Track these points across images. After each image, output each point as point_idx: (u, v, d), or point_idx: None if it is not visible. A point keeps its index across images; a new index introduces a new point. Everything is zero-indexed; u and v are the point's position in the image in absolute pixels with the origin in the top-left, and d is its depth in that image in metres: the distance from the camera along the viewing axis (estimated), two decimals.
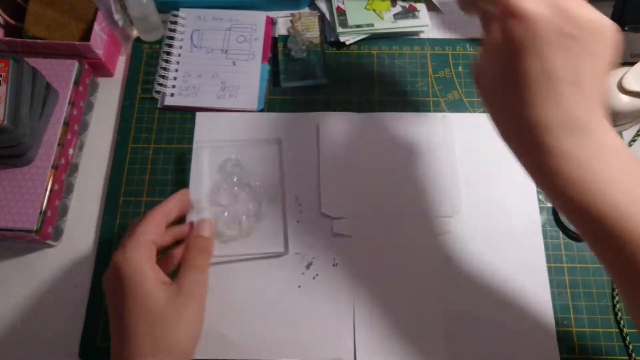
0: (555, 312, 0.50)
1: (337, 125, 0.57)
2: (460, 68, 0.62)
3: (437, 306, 0.50)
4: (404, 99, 0.60)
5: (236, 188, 0.55)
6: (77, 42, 0.56)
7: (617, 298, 0.51)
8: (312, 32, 0.64)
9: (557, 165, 0.33)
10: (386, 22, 0.62)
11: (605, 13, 0.59)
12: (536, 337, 0.49)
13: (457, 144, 0.57)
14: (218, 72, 0.61)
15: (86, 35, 0.58)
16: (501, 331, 0.49)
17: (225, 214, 0.54)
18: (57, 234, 0.53)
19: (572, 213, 0.34)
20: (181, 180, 0.56)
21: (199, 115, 0.59)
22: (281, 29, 0.64)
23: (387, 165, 0.56)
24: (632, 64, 0.56)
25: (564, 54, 0.33)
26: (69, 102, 0.55)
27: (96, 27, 0.57)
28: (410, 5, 0.64)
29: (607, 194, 0.32)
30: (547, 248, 0.53)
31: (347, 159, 0.56)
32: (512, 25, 0.33)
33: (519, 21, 0.33)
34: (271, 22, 0.64)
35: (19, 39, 0.57)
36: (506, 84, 0.35)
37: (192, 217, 0.49)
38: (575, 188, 0.32)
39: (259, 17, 0.63)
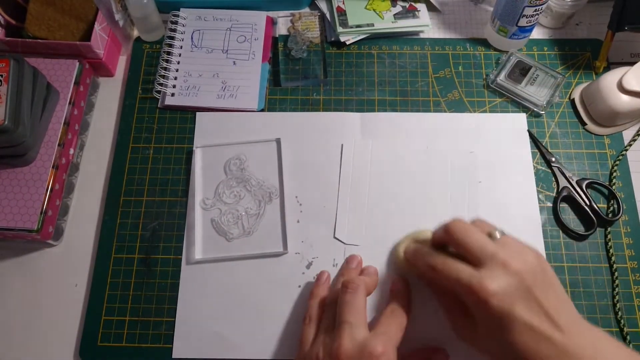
0: None
1: (359, 148, 0.56)
2: (460, 68, 0.62)
3: (437, 309, 0.50)
4: (404, 98, 0.60)
5: (237, 188, 0.55)
6: (77, 42, 0.56)
7: (617, 298, 0.51)
8: (313, 32, 0.64)
9: None
10: (386, 22, 0.63)
11: (605, 13, 0.60)
12: None
13: (479, 169, 0.56)
14: (218, 72, 0.61)
15: (87, 35, 0.58)
16: None
17: (228, 213, 0.54)
18: (58, 234, 0.54)
19: None
20: (181, 180, 0.56)
21: (199, 115, 0.59)
22: (281, 29, 0.64)
23: (408, 193, 0.54)
24: (632, 64, 0.56)
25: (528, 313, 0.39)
26: (70, 102, 0.55)
27: (97, 27, 0.57)
28: (411, 5, 0.64)
29: None
30: (547, 248, 0.53)
31: (366, 185, 0.55)
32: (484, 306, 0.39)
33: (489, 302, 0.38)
34: (271, 22, 0.64)
35: (19, 39, 0.57)
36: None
37: None
38: None
39: (259, 17, 0.64)
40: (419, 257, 0.45)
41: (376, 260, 0.52)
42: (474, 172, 0.55)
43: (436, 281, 0.45)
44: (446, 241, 0.43)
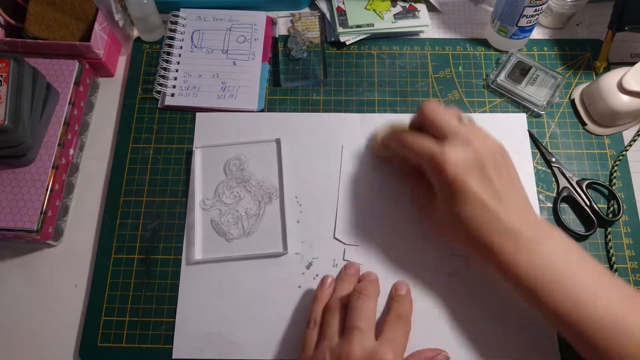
0: None
1: (359, 147, 0.57)
2: (460, 68, 0.62)
3: (439, 309, 0.50)
4: (404, 99, 0.60)
5: (237, 188, 0.55)
6: (77, 42, 0.56)
7: None
8: (313, 32, 0.64)
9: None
10: (386, 22, 0.63)
11: (605, 13, 0.60)
12: (537, 336, 0.49)
13: None
14: (218, 72, 0.61)
15: (87, 36, 0.58)
16: (501, 331, 0.49)
17: (228, 213, 0.54)
18: (58, 234, 0.54)
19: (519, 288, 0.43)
20: (181, 180, 0.56)
21: (199, 116, 0.59)
22: (281, 29, 0.64)
23: (408, 194, 0.54)
24: (632, 64, 0.56)
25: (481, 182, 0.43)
26: (70, 102, 0.55)
27: (97, 27, 0.57)
28: (411, 5, 0.64)
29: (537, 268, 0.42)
30: None
31: (367, 185, 0.55)
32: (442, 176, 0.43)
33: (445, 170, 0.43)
34: (271, 22, 0.64)
35: (19, 39, 0.57)
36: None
37: None
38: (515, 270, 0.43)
39: (259, 17, 0.64)
40: (393, 138, 0.50)
41: (376, 260, 0.52)
42: None
43: (406, 159, 0.49)
44: (420, 121, 0.47)
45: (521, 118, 0.58)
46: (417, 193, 0.51)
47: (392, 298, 0.49)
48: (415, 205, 0.51)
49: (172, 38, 0.62)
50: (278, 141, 0.57)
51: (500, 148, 0.45)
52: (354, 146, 0.57)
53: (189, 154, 0.57)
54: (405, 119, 0.51)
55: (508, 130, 0.58)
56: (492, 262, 0.43)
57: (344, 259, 0.52)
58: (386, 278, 0.50)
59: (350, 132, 0.57)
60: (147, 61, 0.63)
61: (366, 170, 0.56)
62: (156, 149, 0.58)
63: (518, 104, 0.59)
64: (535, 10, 0.56)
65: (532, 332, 0.49)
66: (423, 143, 0.45)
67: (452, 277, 0.51)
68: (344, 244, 0.53)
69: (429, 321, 0.49)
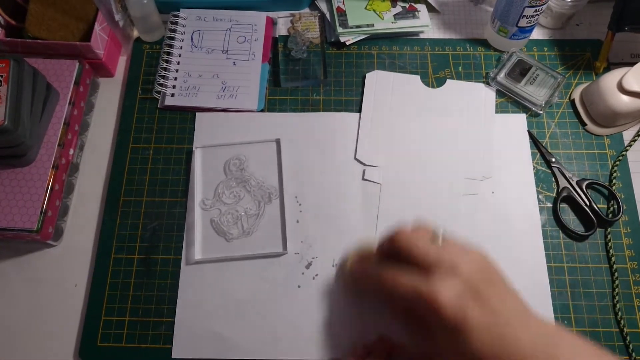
0: (555, 312, 0.50)
1: (383, 81, 0.60)
2: (460, 68, 0.62)
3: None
4: None
5: (237, 188, 0.55)
6: (77, 43, 0.56)
7: (617, 298, 0.51)
8: (313, 33, 0.64)
9: None
10: (386, 23, 0.63)
11: (605, 13, 0.60)
12: None
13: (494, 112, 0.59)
14: (218, 72, 0.61)
15: (87, 36, 0.58)
16: None
17: (228, 213, 0.54)
18: (58, 234, 0.54)
19: None
20: (181, 180, 0.56)
21: (199, 116, 0.59)
22: (281, 29, 0.65)
23: (425, 124, 0.58)
24: (632, 64, 0.56)
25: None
26: (70, 103, 0.55)
27: (97, 27, 0.57)
28: (411, 6, 0.64)
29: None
30: (547, 248, 0.53)
31: (387, 113, 0.58)
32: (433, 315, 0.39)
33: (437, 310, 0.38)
34: (271, 23, 0.64)
35: (19, 40, 0.57)
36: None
37: None
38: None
39: (259, 18, 0.64)
40: (368, 275, 0.45)
41: (396, 182, 0.55)
42: (491, 101, 0.59)
43: (389, 297, 0.44)
44: (392, 251, 0.43)
45: (521, 118, 0.58)
46: (411, 330, 0.44)
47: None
48: (412, 342, 0.45)
49: (172, 38, 0.62)
50: (278, 141, 0.57)
51: (483, 258, 0.41)
52: (354, 146, 0.57)
53: (189, 154, 0.57)
54: (373, 240, 0.48)
55: (508, 131, 0.58)
56: None
57: (363, 178, 0.55)
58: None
59: (350, 132, 0.57)
60: (147, 61, 0.63)
61: (387, 99, 0.58)
62: (156, 149, 0.58)
63: (518, 104, 0.59)
64: (535, 11, 0.55)
65: None
66: (406, 286, 0.40)
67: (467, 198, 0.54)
68: (364, 164, 0.55)
69: None
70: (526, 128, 0.58)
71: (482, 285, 0.39)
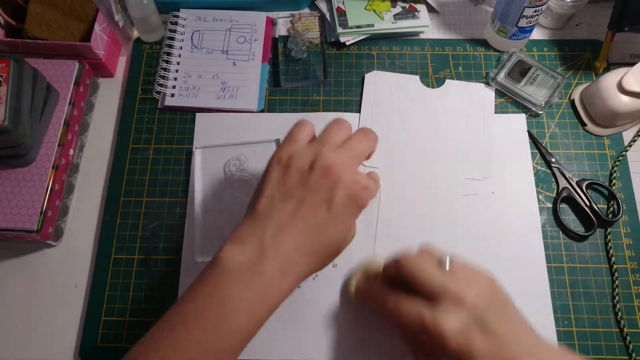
0: (555, 312, 0.50)
1: (382, 81, 0.60)
2: (460, 69, 0.62)
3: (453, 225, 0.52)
4: None
5: (237, 188, 0.55)
6: (77, 43, 0.56)
7: (617, 298, 0.51)
8: (312, 33, 0.64)
9: None
10: (386, 23, 0.63)
11: (605, 13, 0.60)
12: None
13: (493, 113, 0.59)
14: (218, 72, 0.61)
15: (87, 36, 0.58)
16: None
17: (227, 213, 0.54)
18: (58, 234, 0.54)
19: None
20: (181, 180, 0.56)
21: (198, 117, 0.59)
22: (281, 30, 0.65)
23: (424, 124, 0.58)
24: (632, 64, 0.56)
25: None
26: (70, 103, 0.55)
27: (97, 27, 0.57)
28: (410, 6, 0.64)
29: None
30: (547, 248, 0.53)
31: (386, 113, 0.58)
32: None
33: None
34: (271, 23, 0.64)
35: (19, 40, 0.57)
36: None
37: None
38: None
39: (259, 18, 0.64)
40: (372, 297, 0.46)
41: (395, 183, 0.55)
42: (490, 101, 0.59)
43: (394, 323, 0.43)
44: (398, 276, 0.43)
45: (521, 118, 0.58)
46: (416, 352, 0.43)
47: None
48: None
49: (172, 38, 0.62)
50: (277, 141, 0.57)
51: (491, 284, 0.41)
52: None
53: (189, 154, 0.57)
54: (378, 259, 0.48)
55: (508, 131, 0.58)
56: None
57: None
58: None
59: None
60: (147, 61, 0.63)
61: (387, 101, 0.58)
62: (156, 149, 0.58)
63: (517, 104, 0.59)
64: (535, 11, 0.56)
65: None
66: (410, 314, 0.40)
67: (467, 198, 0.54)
68: (363, 165, 0.54)
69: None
70: (526, 128, 0.58)
71: (489, 315, 0.38)
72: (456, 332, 0.37)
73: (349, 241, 0.43)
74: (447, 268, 0.41)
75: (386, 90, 0.60)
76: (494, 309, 0.39)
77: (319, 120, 0.58)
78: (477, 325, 0.38)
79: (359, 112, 0.59)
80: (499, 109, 0.59)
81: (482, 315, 0.38)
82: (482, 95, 0.59)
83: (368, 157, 0.45)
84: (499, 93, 0.60)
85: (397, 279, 0.43)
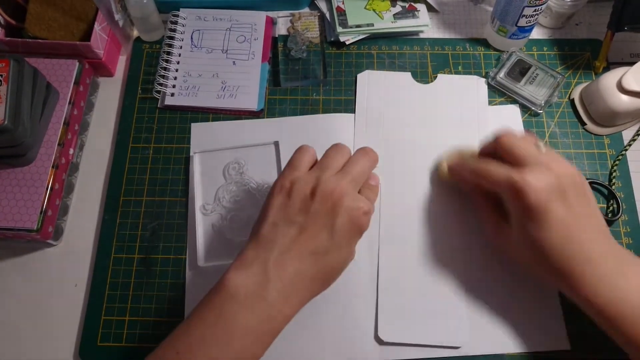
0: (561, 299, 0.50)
1: (374, 80, 0.60)
2: (460, 68, 0.62)
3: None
4: None
5: (237, 192, 0.55)
6: (77, 42, 0.56)
7: None
8: (312, 32, 0.64)
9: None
10: (386, 22, 0.63)
11: (605, 13, 0.60)
12: (545, 322, 0.49)
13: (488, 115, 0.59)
14: (218, 72, 0.61)
15: (87, 35, 0.58)
16: (510, 316, 0.49)
17: (229, 217, 0.54)
18: (58, 234, 0.54)
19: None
20: (181, 180, 0.56)
21: (194, 127, 0.58)
22: (281, 29, 0.65)
23: (419, 120, 0.58)
24: (631, 63, 0.56)
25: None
26: (70, 102, 0.55)
27: (97, 27, 0.57)
28: (410, 5, 0.64)
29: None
30: None
31: (381, 112, 0.58)
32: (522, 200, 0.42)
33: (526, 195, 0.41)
34: (271, 22, 0.64)
35: (19, 39, 0.57)
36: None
37: None
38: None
39: (259, 17, 0.64)
40: (464, 165, 0.49)
41: (394, 181, 0.55)
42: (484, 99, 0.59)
43: (478, 185, 0.48)
44: (494, 149, 0.46)
45: (514, 110, 0.59)
46: (491, 222, 0.48)
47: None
48: (490, 233, 0.49)
49: (172, 38, 0.62)
50: (276, 144, 0.57)
51: (579, 175, 0.43)
52: (353, 146, 0.57)
53: (189, 154, 0.57)
54: (472, 146, 0.53)
55: (502, 123, 0.58)
56: (571, 290, 0.42)
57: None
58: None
59: (348, 133, 0.57)
60: (147, 61, 0.63)
61: (380, 106, 0.58)
62: (156, 148, 0.58)
63: (517, 104, 0.59)
64: (535, 10, 0.56)
65: (540, 317, 0.49)
66: (500, 170, 0.43)
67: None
68: None
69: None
70: (520, 119, 0.58)
71: (571, 191, 0.42)
72: (539, 189, 0.41)
73: (348, 263, 0.44)
74: (543, 151, 0.44)
75: (379, 89, 0.60)
76: (577, 190, 0.42)
77: (316, 123, 0.58)
78: (559, 193, 0.41)
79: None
80: None
81: (565, 188, 0.41)
82: (475, 86, 0.60)
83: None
84: (499, 92, 0.60)
85: (492, 156, 0.47)
